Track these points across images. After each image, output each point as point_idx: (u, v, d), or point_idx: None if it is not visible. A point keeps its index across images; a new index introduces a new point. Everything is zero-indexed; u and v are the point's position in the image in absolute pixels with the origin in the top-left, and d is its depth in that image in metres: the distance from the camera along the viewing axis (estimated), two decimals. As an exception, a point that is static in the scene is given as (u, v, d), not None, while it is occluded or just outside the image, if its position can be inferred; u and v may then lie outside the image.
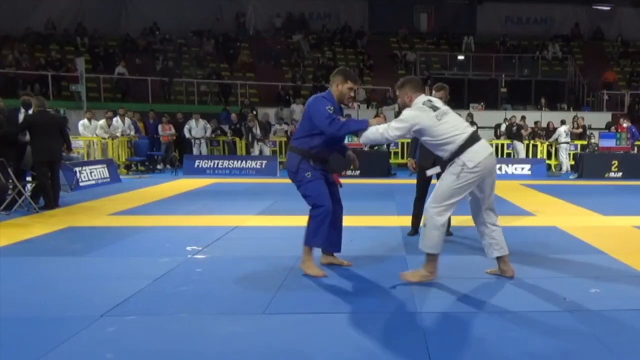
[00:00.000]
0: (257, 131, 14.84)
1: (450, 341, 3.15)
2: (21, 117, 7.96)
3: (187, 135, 14.85)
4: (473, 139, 4.08)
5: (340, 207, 4.66)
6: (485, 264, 4.85)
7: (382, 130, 4.15)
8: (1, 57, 18.31)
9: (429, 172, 4.45)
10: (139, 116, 15.23)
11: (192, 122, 14.95)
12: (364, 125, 4.26)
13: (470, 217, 7.49)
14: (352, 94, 4.46)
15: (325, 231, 4.40)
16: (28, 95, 8.62)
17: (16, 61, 17.95)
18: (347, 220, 6.92)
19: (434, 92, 5.93)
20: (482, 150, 4.10)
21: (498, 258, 4.44)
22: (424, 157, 5.72)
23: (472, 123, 15.37)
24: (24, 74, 17.50)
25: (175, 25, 21.86)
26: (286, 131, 16.07)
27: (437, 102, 4.23)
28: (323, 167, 4.47)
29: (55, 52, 19.42)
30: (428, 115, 4.07)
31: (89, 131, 13.32)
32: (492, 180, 4.27)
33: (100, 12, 21.62)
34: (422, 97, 4.20)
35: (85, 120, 13.39)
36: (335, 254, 4.77)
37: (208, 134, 15.08)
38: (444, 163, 4.17)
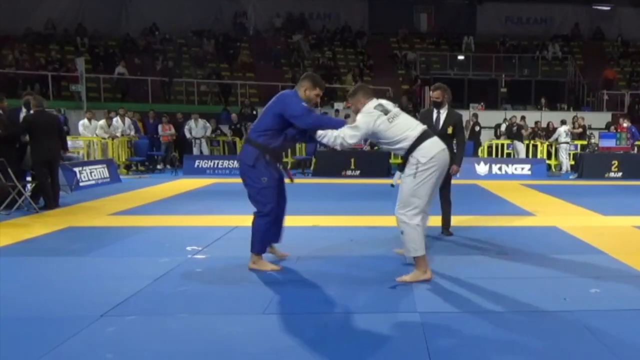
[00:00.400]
0: None
1: (450, 341, 3.15)
2: (22, 117, 7.97)
3: (187, 135, 14.85)
4: (424, 136, 4.21)
5: (284, 201, 4.73)
6: (485, 263, 4.86)
7: (336, 134, 4.23)
8: (1, 57, 18.32)
9: (394, 181, 4.47)
10: (139, 116, 15.23)
11: (192, 122, 14.95)
12: (338, 125, 4.31)
13: (469, 217, 7.52)
14: (317, 99, 4.50)
15: (269, 237, 4.59)
16: (30, 94, 8.62)
17: (16, 61, 17.96)
18: (347, 220, 6.96)
19: (430, 92, 5.94)
20: (434, 145, 4.21)
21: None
22: None
23: (477, 123, 15.41)
24: (24, 74, 17.51)
25: (175, 25, 21.87)
26: None
27: (389, 105, 4.34)
28: (277, 163, 4.51)
29: (55, 52, 19.43)
30: (380, 119, 4.18)
31: (89, 131, 13.33)
32: (441, 177, 4.39)
33: (100, 12, 21.63)
34: (374, 102, 4.31)
35: (86, 120, 13.40)
36: (274, 245, 4.86)
37: (208, 133, 15.08)
38: (402, 166, 4.28)
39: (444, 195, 5.90)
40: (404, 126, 4.20)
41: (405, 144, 4.16)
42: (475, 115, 15.76)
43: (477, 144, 15.35)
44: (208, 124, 15.19)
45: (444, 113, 5.87)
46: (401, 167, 4.29)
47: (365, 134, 4.24)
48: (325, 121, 4.38)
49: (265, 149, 4.36)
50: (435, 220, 6.70)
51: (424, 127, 4.34)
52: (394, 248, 4.93)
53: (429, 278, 4.29)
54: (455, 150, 5.84)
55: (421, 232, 4.24)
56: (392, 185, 4.51)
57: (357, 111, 4.35)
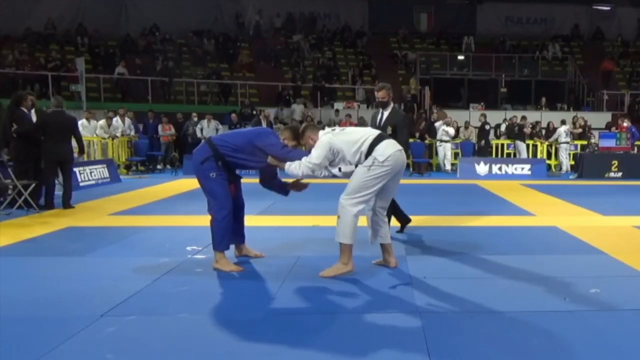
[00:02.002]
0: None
1: (450, 341, 3.15)
2: (33, 117, 7.98)
3: (198, 134, 14.78)
4: (380, 138, 4.35)
5: (243, 207, 4.92)
6: (485, 263, 4.86)
7: (303, 160, 4.33)
8: (1, 57, 18.32)
9: (337, 171, 4.49)
10: (132, 115, 15.14)
11: (204, 122, 14.96)
12: (304, 155, 4.42)
13: (469, 217, 7.52)
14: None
15: (230, 233, 4.61)
16: (29, 94, 8.60)
17: (16, 61, 17.95)
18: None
19: (375, 92, 5.95)
20: (391, 146, 4.34)
21: (382, 248, 4.68)
22: None
23: (485, 123, 15.42)
24: (24, 74, 17.50)
25: (175, 25, 21.86)
26: None
27: (331, 128, 4.60)
28: (226, 171, 4.59)
29: (55, 52, 19.42)
30: (335, 135, 4.37)
31: (88, 131, 13.30)
32: (397, 178, 4.49)
33: (100, 12, 21.61)
34: (322, 132, 4.47)
35: (84, 121, 13.36)
36: (246, 245, 4.98)
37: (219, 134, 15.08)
38: (358, 163, 4.36)
39: None
40: (358, 134, 4.39)
41: (364, 149, 4.28)
42: (484, 115, 15.76)
43: (487, 143, 15.34)
44: (220, 126, 15.21)
45: (386, 113, 5.86)
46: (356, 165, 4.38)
47: (329, 150, 4.30)
48: (295, 153, 4.50)
49: (220, 157, 4.48)
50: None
51: (379, 132, 4.52)
52: (373, 261, 4.84)
53: (350, 270, 4.35)
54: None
55: (356, 222, 4.32)
56: (340, 170, 4.50)
57: (310, 147, 4.47)
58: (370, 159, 4.26)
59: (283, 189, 4.98)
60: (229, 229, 4.58)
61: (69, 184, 7.94)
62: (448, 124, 15.09)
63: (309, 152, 4.42)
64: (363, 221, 4.89)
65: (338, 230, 4.31)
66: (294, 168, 4.37)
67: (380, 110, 5.92)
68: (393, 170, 4.32)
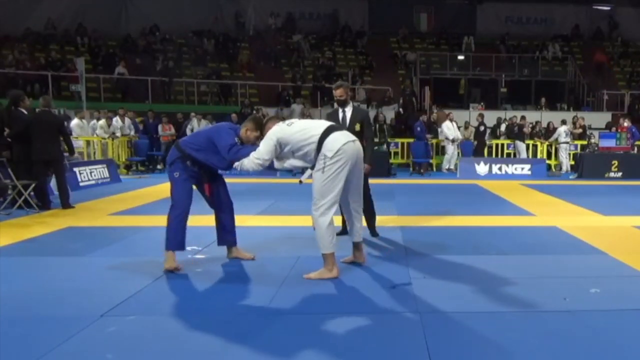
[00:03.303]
0: None
1: (450, 341, 3.15)
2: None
3: (188, 134, 14.77)
4: (329, 131, 4.23)
5: (230, 207, 4.90)
6: (485, 263, 4.86)
7: (250, 156, 4.30)
8: (1, 57, 18.32)
9: (304, 178, 4.46)
10: (133, 114, 15.13)
11: (194, 122, 14.92)
12: (252, 150, 4.38)
13: (469, 217, 7.52)
14: (257, 142, 4.50)
15: (183, 233, 4.56)
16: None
17: (16, 61, 17.95)
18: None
19: (333, 91, 5.92)
20: (340, 138, 4.22)
21: (354, 245, 4.70)
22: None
23: (482, 124, 15.41)
24: (24, 74, 17.50)
25: (175, 25, 21.86)
26: None
27: (289, 120, 4.51)
28: (198, 171, 4.61)
29: (55, 52, 19.42)
30: (279, 125, 4.35)
31: (84, 131, 13.29)
32: (358, 170, 4.40)
33: (100, 12, 21.61)
34: (278, 122, 4.47)
35: (78, 120, 13.31)
36: (238, 247, 4.95)
37: None
38: (313, 165, 4.31)
39: (366, 194, 5.76)
40: (308, 127, 4.29)
41: (313, 145, 4.20)
42: (481, 115, 15.77)
43: (483, 143, 15.34)
44: (210, 125, 15.16)
45: (349, 111, 5.81)
46: (313, 167, 4.32)
47: (272, 146, 4.25)
48: (241, 152, 4.44)
49: (188, 157, 4.52)
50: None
51: (330, 123, 4.42)
52: (341, 259, 4.82)
53: (335, 276, 4.34)
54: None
55: (333, 229, 4.30)
56: (300, 182, 4.50)
57: None
58: (320, 159, 4.17)
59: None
60: (180, 229, 4.53)
61: (63, 183, 7.90)
62: (451, 120, 15.07)
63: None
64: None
65: (318, 242, 4.33)
66: (245, 165, 4.33)
67: (340, 109, 5.85)
68: (348, 162, 4.18)
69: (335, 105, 5.97)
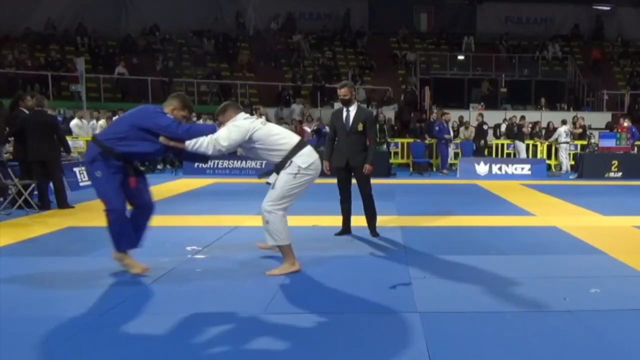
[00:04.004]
0: None
1: (450, 341, 3.15)
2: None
3: None
4: (302, 144, 4.41)
5: (150, 208, 4.49)
6: (485, 263, 4.86)
7: (208, 139, 4.13)
8: (1, 57, 18.32)
9: (271, 180, 4.45)
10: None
11: (200, 122, 14.93)
12: (209, 130, 4.22)
13: (469, 217, 7.51)
14: (184, 120, 4.32)
15: (129, 230, 4.31)
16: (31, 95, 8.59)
17: (16, 61, 17.95)
18: (347, 220, 6.95)
19: (337, 90, 5.94)
20: (312, 153, 4.42)
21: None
22: (338, 157, 5.88)
23: (483, 123, 15.41)
24: (24, 74, 17.51)
25: (175, 25, 21.86)
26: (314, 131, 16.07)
27: (256, 118, 4.55)
28: (123, 165, 4.23)
29: (55, 52, 19.42)
30: (255, 123, 4.33)
31: (83, 130, 13.28)
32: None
33: (100, 12, 21.61)
34: (243, 114, 4.41)
35: (78, 120, 13.30)
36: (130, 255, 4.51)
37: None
38: (279, 168, 4.35)
39: (365, 193, 5.89)
40: (283, 132, 4.44)
41: (283, 151, 4.29)
42: (482, 115, 15.77)
43: (485, 143, 15.33)
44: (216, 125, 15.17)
45: (353, 111, 5.84)
46: (277, 169, 4.37)
47: (242, 138, 4.23)
48: (195, 129, 4.23)
49: (110, 151, 4.14)
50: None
51: (299, 138, 4.56)
52: (257, 242, 4.99)
53: (298, 269, 4.42)
54: (367, 148, 5.85)
55: (286, 222, 4.40)
56: (268, 183, 4.51)
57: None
58: (294, 166, 4.29)
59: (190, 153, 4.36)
60: (125, 227, 4.28)
61: (59, 183, 7.85)
62: (447, 121, 15.07)
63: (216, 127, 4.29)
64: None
65: (272, 236, 4.36)
66: (202, 146, 4.11)
67: (344, 108, 5.89)
68: (315, 177, 4.42)
69: (336, 105, 5.98)
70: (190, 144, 4.13)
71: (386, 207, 8.10)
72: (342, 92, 5.81)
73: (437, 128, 14.64)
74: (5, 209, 7.38)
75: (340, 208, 6.04)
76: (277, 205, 4.32)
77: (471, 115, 17.38)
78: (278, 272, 4.40)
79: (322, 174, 4.75)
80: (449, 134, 14.75)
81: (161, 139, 4.15)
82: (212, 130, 4.28)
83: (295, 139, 4.44)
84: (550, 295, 3.97)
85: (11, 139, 7.97)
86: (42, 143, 7.59)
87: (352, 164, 5.81)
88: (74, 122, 13.24)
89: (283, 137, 4.37)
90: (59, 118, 11.30)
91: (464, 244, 5.68)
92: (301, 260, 4.86)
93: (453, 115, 16.24)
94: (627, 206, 8.56)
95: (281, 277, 4.36)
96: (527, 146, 15.34)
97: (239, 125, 4.25)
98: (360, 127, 5.77)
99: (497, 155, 15.30)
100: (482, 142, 15.22)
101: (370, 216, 5.96)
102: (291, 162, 4.31)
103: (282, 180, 4.31)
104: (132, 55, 20.19)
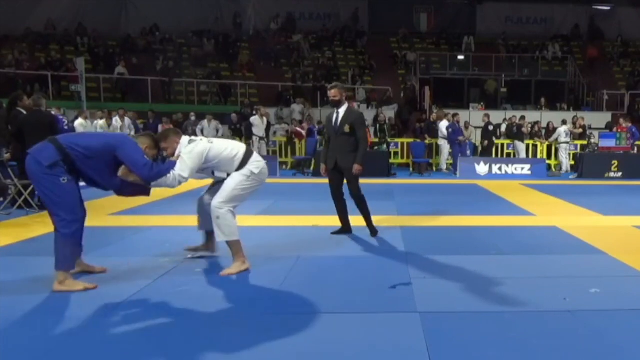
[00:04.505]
0: (263, 125, 14.71)
1: (450, 341, 3.15)
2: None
3: (198, 134, 14.83)
4: (250, 153, 4.58)
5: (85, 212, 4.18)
6: (485, 263, 4.86)
7: (170, 175, 4.17)
8: (1, 57, 18.32)
9: (219, 176, 4.60)
10: (132, 115, 15.12)
11: (205, 123, 15.02)
12: (171, 167, 4.21)
13: (469, 217, 7.51)
14: (153, 158, 4.27)
15: (76, 250, 4.06)
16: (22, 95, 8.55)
17: (16, 61, 17.95)
18: (347, 220, 6.95)
19: (328, 91, 5.95)
20: (261, 160, 4.63)
21: (208, 235, 4.87)
22: (329, 158, 5.94)
23: (489, 123, 15.41)
24: (24, 74, 17.51)
25: (175, 25, 21.87)
26: (287, 131, 16.09)
27: (194, 138, 4.53)
28: (75, 177, 3.99)
29: (55, 52, 19.42)
30: (203, 144, 4.38)
31: (87, 131, 13.28)
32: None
33: (100, 12, 21.62)
34: (185, 138, 4.43)
35: (82, 120, 13.29)
36: (83, 260, 4.40)
37: (220, 134, 15.11)
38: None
39: (353, 194, 5.89)
40: (230, 144, 4.56)
41: (236, 162, 4.45)
42: (487, 115, 15.77)
43: (491, 143, 15.31)
44: (220, 126, 15.23)
45: (342, 112, 5.85)
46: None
47: (199, 162, 4.31)
48: (161, 170, 4.13)
49: (71, 162, 3.85)
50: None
51: (245, 146, 4.71)
52: (185, 247, 5.00)
53: (248, 267, 4.49)
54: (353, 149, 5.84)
55: (235, 218, 4.48)
56: (219, 180, 4.62)
57: (173, 152, 4.36)
58: (246, 171, 4.46)
59: (141, 188, 4.26)
60: (77, 243, 4.02)
61: None
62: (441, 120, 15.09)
63: (170, 156, 4.34)
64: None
65: (224, 231, 4.43)
66: (168, 182, 4.16)
67: (335, 109, 5.90)
68: (262, 182, 4.64)
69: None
70: (156, 183, 4.19)
71: (386, 207, 8.11)
72: (332, 93, 5.83)
73: (450, 130, 14.59)
74: (5, 208, 7.38)
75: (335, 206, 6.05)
76: (226, 204, 4.43)
77: (471, 115, 17.39)
78: (233, 271, 4.44)
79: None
80: (462, 135, 14.75)
81: (121, 172, 4.03)
82: (173, 165, 4.25)
83: (242, 148, 4.58)
84: (550, 295, 3.97)
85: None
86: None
87: (340, 165, 5.83)
88: (78, 122, 13.23)
89: (232, 148, 4.51)
90: (64, 120, 11.26)
91: (464, 244, 5.68)
92: (301, 260, 4.88)
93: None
94: (627, 206, 8.56)
95: (281, 277, 4.35)
96: (527, 146, 15.33)
97: (192, 151, 4.29)
98: (347, 128, 5.76)
99: (497, 155, 15.30)
100: (487, 142, 15.22)
101: (365, 216, 5.96)
102: (242, 169, 4.48)
103: (234, 180, 4.46)
104: (132, 55, 20.19)
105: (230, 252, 4.57)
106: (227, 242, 4.52)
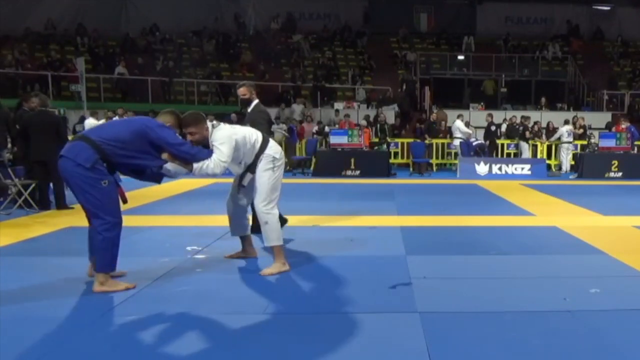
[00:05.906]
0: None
1: (450, 341, 3.15)
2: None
3: None
4: (267, 138, 4.48)
5: None
6: (485, 263, 4.86)
7: (209, 161, 4.03)
8: (1, 57, 18.32)
9: (246, 182, 4.50)
10: (132, 115, 15.12)
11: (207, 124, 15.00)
12: (209, 154, 4.07)
13: (469, 217, 7.52)
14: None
15: (116, 252, 3.92)
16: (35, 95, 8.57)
17: (16, 61, 17.95)
18: (347, 220, 6.95)
19: (237, 89, 5.81)
20: (276, 144, 4.53)
21: (244, 240, 4.88)
22: None
23: (492, 124, 15.40)
24: (24, 74, 17.51)
25: (175, 25, 21.87)
26: (287, 130, 16.09)
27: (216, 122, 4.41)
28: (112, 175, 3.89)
29: (55, 52, 19.42)
30: (232, 130, 4.28)
31: None
32: None
33: (100, 12, 21.61)
34: (209, 123, 4.28)
35: (93, 120, 13.23)
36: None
37: None
38: (252, 167, 4.39)
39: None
40: (249, 132, 4.40)
41: (256, 147, 4.35)
42: (491, 115, 15.75)
43: (494, 143, 15.29)
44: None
45: (249, 110, 5.74)
46: (252, 169, 4.40)
47: (232, 147, 4.15)
48: (201, 153, 4.04)
49: (108, 158, 3.76)
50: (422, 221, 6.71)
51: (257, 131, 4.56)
52: (224, 255, 4.95)
53: (289, 269, 4.49)
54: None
55: (279, 223, 4.46)
56: (244, 186, 4.54)
57: (203, 138, 4.15)
58: (268, 159, 4.35)
59: (156, 175, 4.17)
60: (117, 245, 3.90)
61: (59, 184, 7.83)
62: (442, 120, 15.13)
63: (197, 143, 4.11)
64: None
65: (269, 236, 4.41)
66: (210, 168, 4.03)
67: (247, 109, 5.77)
68: (284, 164, 4.56)
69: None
70: (197, 167, 4.05)
71: (386, 207, 8.12)
72: (240, 91, 5.72)
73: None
74: (6, 208, 7.38)
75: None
76: (268, 203, 4.37)
77: (471, 115, 17.38)
78: (272, 272, 4.43)
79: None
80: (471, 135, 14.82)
81: (165, 156, 3.92)
82: (211, 153, 4.13)
83: (259, 134, 4.44)
84: (550, 295, 3.97)
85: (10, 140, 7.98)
86: (45, 143, 7.56)
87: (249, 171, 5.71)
88: (88, 122, 13.17)
89: (250, 132, 4.39)
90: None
91: (464, 244, 5.68)
92: (301, 260, 4.88)
93: (453, 115, 16.26)
94: (627, 206, 8.56)
95: (281, 277, 4.36)
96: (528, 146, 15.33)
97: (222, 137, 4.14)
98: (248, 126, 5.63)
99: (497, 155, 15.30)
100: (489, 142, 15.22)
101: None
102: (262, 157, 4.35)
103: (263, 178, 4.36)
104: (132, 55, 20.18)
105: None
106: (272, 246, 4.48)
